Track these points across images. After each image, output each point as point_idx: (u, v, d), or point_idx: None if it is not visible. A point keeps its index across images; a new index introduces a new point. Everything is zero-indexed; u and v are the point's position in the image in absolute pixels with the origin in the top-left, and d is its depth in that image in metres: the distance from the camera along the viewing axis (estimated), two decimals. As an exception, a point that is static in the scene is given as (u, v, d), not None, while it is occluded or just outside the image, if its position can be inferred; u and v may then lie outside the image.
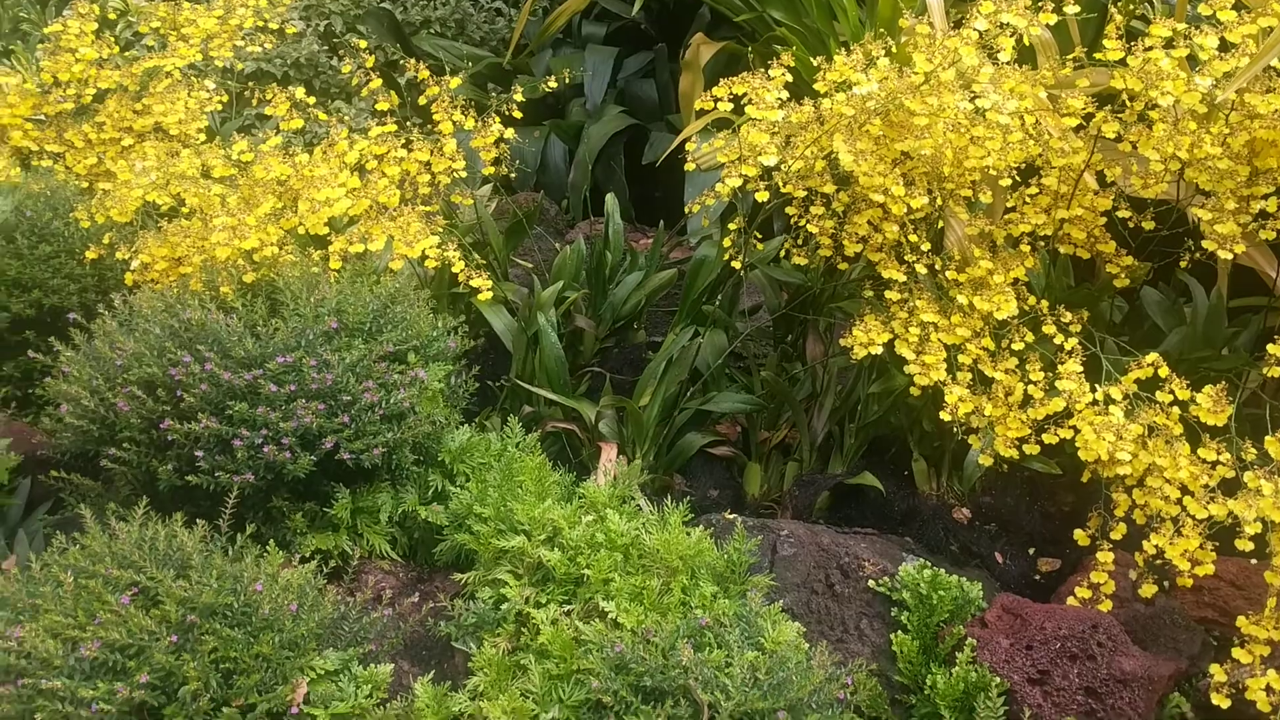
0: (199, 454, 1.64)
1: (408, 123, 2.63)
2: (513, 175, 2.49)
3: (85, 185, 2.70)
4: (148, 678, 1.41)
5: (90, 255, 2.33)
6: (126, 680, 1.41)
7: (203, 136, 2.71)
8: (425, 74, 2.38)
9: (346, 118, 3.49)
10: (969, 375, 1.98)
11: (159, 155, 2.58)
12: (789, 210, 2.09)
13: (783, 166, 1.97)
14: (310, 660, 1.53)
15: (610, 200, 2.70)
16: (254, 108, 3.40)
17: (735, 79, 2.03)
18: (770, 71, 2.03)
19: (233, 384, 1.66)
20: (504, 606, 1.64)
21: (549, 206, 3.42)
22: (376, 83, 2.33)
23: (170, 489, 1.70)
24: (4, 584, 1.55)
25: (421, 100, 2.31)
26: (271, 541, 1.66)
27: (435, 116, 2.26)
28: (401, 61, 3.74)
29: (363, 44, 2.71)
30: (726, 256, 2.22)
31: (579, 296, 2.47)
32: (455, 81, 2.30)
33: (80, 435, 1.75)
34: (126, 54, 2.90)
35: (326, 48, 3.66)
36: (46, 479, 2.13)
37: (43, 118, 2.80)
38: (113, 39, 2.83)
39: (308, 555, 1.73)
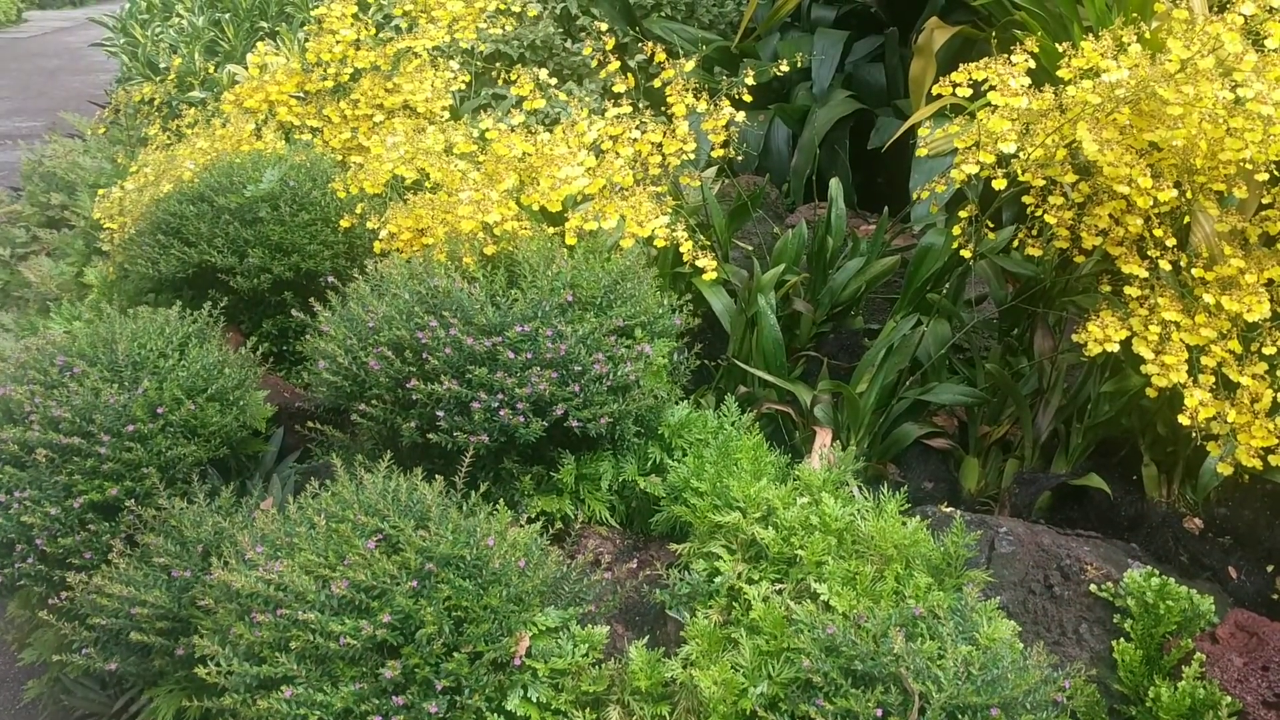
0: (439, 414, 1.75)
1: (638, 105, 2.70)
2: (739, 158, 2.51)
3: (340, 158, 2.90)
4: (389, 618, 1.52)
5: (344, 224, 2.50)
6: (370, 619, 1.52)
7: (447, 114, 2.86)
8: (661, 56, 2.43)
9: (580, 98, 3.60)
10: (1211, 379, 1.88)
11: (407, 131, 2.74)
12: (1026, 199, 2.03)
13: (1020, 154, 1.92)
14: (533, 616, 1.61)
15: (834, 185, 2.69)
16: (493, 87, 3.55)
17: (976, 65, 1.99)
18: (1013, 57, 1.98)
19: (474, 349, 1.76)
20: (717, 580, 1.68)
21: (770, 190, 3.43)
22: (614, 65, 2.39)
23: (411, 445, 1.82)
24: (264, 521, 1.70)
25: (656, 83, 2.36)
26: (501, 501, 1.75)
27: (669, 99, 2.31)
28: (633, 43, 3.83)
29: (603, 26, 2.77)
30: (956, 245, 2.18)
31: (799, 280, 2.48)
32: (689, 65, 2.34)
33: (334, 390, 1.89)
34: (379, 35, 3.08)
35: (561, 30, 3.77)
36: (301, 429, 2.31)
37: (304, 95, 3.02)
38: (369, 22, 3.01)
39: (534, 516, 1.81)
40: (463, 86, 2.95)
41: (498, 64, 3.61)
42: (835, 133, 3.34)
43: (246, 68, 3.65)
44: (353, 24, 2.93)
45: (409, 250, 2.47)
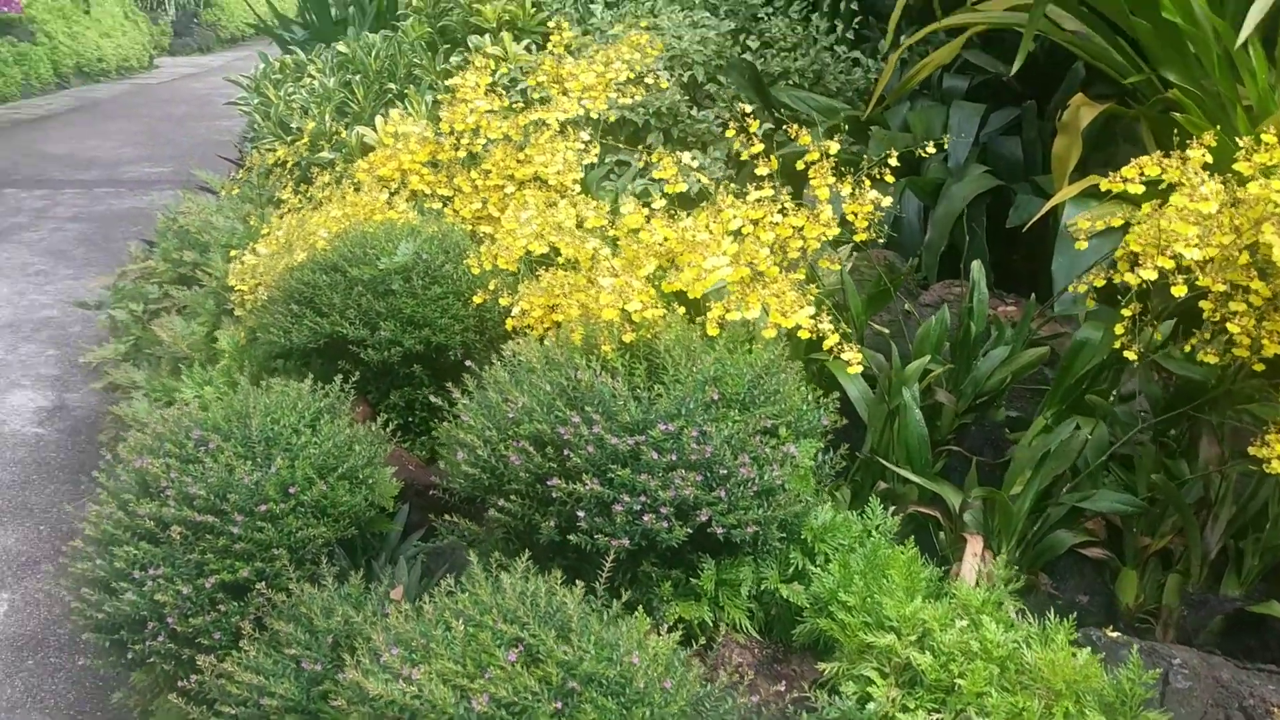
0: (580, 514, 1.69)
1: (776, 183, 2.64)
2: (880, 240, 2.43)
3: (470, 228, 2.89)
4: (529, 736, 1.46)
5: (477, 300, 2.48)
6: (509, 736, 1.45)
7: (578, 187, 2.83)
8: (796, 131, 2.37)
9: (705, 166, 3.56)
10: None
11: (538, 205, 2.72)
12: (1204, 305, 1.91)
13: (1198, 254, 1.81)
14: (681, 737, 1.53)
15: (976, 269, 2.59)
16: (616, 153, 3.53)
17: (1147, 159, 1.88)
18: (1188, 151, 1.87)
19: (616, 447, 1.70)
20: (869, 707, 1.58)
21: (899, 264, 3.34)
22: (757, 147, 2.33)
23: (548, 542, 1.76)
24: (398, 619, 1.65)
25: (799, 165, 2.29)
26: (640, 608, 1.68)
27: (812, 180, 2.24)
28: (759, 110, 3.78)
29: (747, 107, 2.72)
30: (1117, 345, 2.06)
31: (942, 371, 2.37)
32: (833, 146, 2.27)
33: (471, 482, 1.84)
34: (511, 105, 3.07)
35: (687, 97, 3.74)
36: (423, 502, 2.27)
37: (434, 163, 3.02)
38: (502, 91, 3.01)
39: (672, 623, 1.74)
40: (595, 160, 2.92)
41: (623, 130, 3.59)
42: (971, 208, 3.23)
43: (375, 130, 3.69)
44: (486, 95, 2.93)
45: (539, 327, 2.43)
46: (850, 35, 3.88)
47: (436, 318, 2.51)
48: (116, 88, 13.22)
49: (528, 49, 4.02)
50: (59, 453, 3.88)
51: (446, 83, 3.12)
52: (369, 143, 3.69)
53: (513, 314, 2.38)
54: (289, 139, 3.84)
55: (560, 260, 2.51)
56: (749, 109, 2.58)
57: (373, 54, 4.04)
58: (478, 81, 2.93)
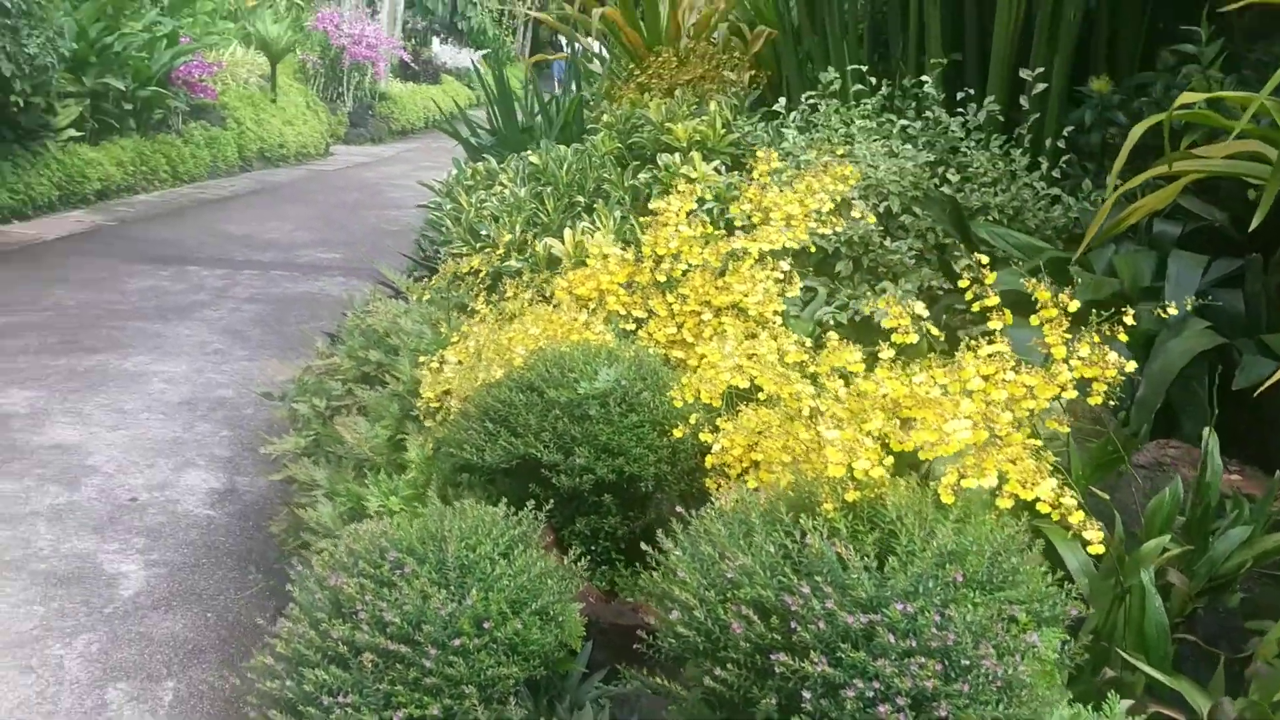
0: (805, 694, 1.57)
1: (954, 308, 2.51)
2: (1113, 403, 2.27)
3: (663, 353, 2.84)
4: None
5: (677, 434, 2.41)
6: None
7: (779, 318, 2.76)
8: (991, 277, 2.24)
9: (896, 298, 3.45)
10: None
11: (737, 335, 2.64)
12: None
13: None
14: None
15: (1209, 438, 2.40)
16: (804, 279, 3.45)
17: None
18: None
19: (849, 625, 1.58)
20: None
21: (1106, 419, 3.14)
22: (991, 300, 2.21)
23: (765, 718, 1.64)
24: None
25: (1033, 320, 2.16)
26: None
27: (1048, 338, 2.11)
28: (954, 245, 3.67)
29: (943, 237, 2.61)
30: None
31: (1179, 552, 2.18)
32: (1073, 304, 2.14)
33: (683, 644, 1.74)
34: (711, 231, 3.03)
35: (881, 227, 3.66)
36: (604, 643, 2.18)
37: (630, 283, 2.99)
38: (704, 217, 2.98)
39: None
40: (798, 291, 2.85)
41: (811, 258, 3.52)
42: (1191, 366, 3.03)
43: (564, 242, 3.71)
44: (688, 220, 2.90)
45: (738, 466, 2.34)
46: (1057, 173, 3.75)
47: (631, 447, 2.44)
48: (294, 172, 13.90)
49: (716, 170, 4.01)
50: (228, 537, 3.93)
51: (650, 205, 3.10)
52: (557, 254, 3.71)
53: (713, 450, 2.30)
54: (478, 245, 3.89)
55: (761, 396, 2.42)
56: (947, 243, 2.50)
57: (564, 167, 4.09)
58: (680, 207, 2.91)
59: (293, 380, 3.76)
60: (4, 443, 4.58)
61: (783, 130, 4.07)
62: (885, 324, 2.15)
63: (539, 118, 5.41)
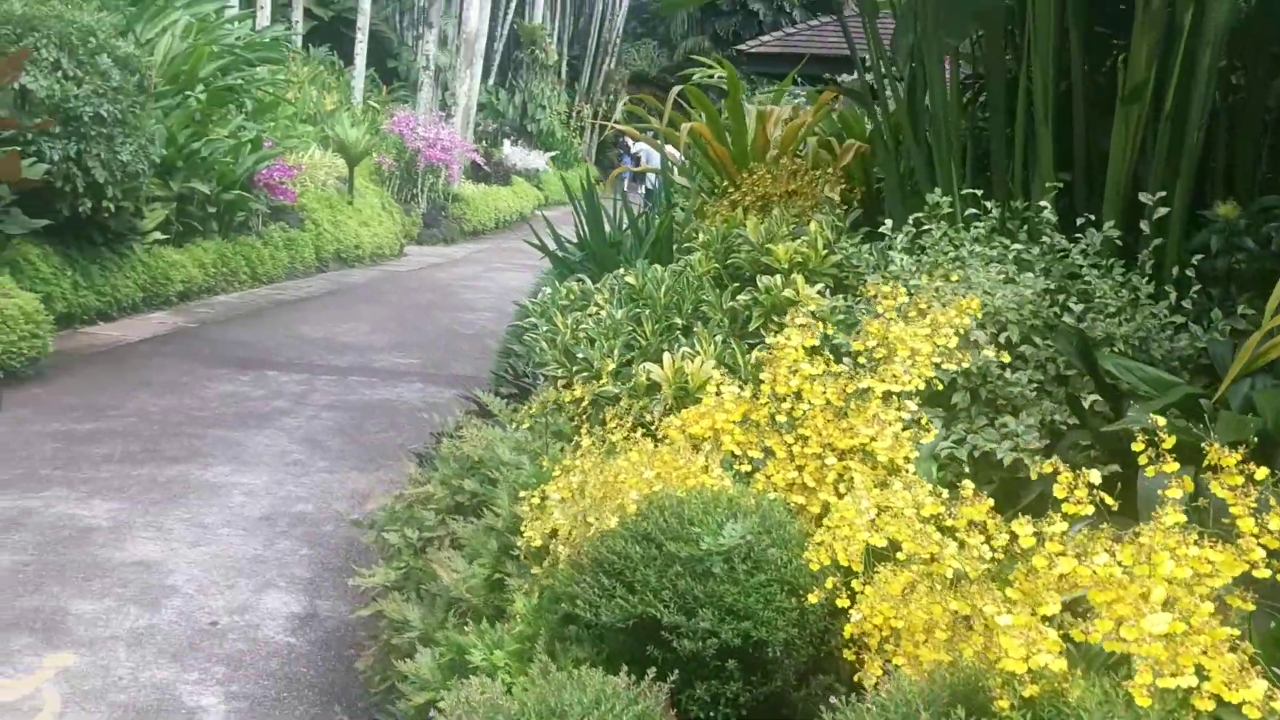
0: None
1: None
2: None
3: (783, 498, 2.67)
4: None
5: (812, 599, 2.23)
6: None
7: (911, 465, 2.58)
8: (1196, 438, 2.06)
9: (1019, 432, 3.27)
10: None
11: (866, 484, 2.48)
12: None
13: None
14: None
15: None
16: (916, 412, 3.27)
17: None
18: None
19: None
20: None
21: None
22: (1170, 464, 2.02)
23: None
24: None
25: (1213, 486, 1.97)
26: None
27: (1233, 510, 1.91)
28: (1077, 377, 3.48)
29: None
30: None
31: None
32: (1262, 472, 1.94)
33: None
34: (831, 368, 2.88)
35: (999, 357, 3.48)
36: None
37: (745, 419, 2.85)
38: (827, 354, 2.83)
39: None
40: (931, 436, 2.68)
41: (927, 393, 3.34)
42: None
43: (662, 366, 3.58)
44: (809, 357, 2.75)
45: (878, 634, 2.15)
46: (1187, 304, 3.57)
47: (759, 609, 2.27)
48: (369, 273, 14.07)
49: (820, 293, 3.88)
50: (309, 668, 3.79)
51: (768, 340, 2.96)
52: (655, 379, 3.58)
53: (853, 619, 2.12)
54: (574, 368, 3.78)
55: (901, 556, 2.25)
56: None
57: (661, 288, 3.99)
58: (801, 341, 2.77)
59: (381, 506, 3.64)
60: (86, 559, 4.52)
61: (888, 252, 3.94)
62: (1056, 492, 1.97)
63: (628, 232, 5.34)
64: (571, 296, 4.24)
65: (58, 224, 8.49)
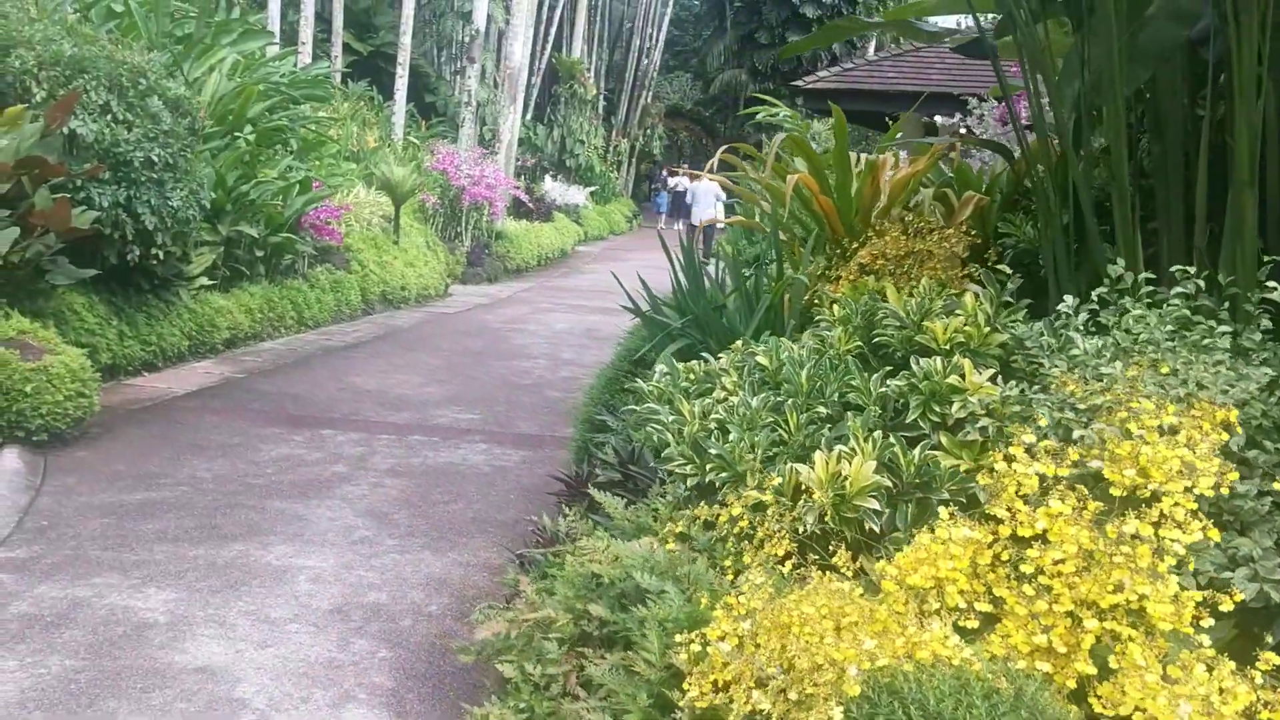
0: None
1: None
2: None
3: (1025, 665, 2.16)
4: None
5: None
6: None
7: (1205, 638, 2.07)
8: None
9: (1250, 556, 2.74)
10: None
11: (1149, 659, 1.96)
12: None
13: None
14: None
15: None
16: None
17: None
18: None
19: None
20: None
21: None
22: None
23: None
24: None
25: None
26: None
27: None
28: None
29: None
30: None
31: None
32: None
33: None
34: (1089, 505, 2.37)
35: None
36: None
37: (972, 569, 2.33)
38: (1081, 493, 2.32)
39: None
40: (1232, 604, 2.16)
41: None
42: None
43: (814, 468, 3.09)
44: (1058, 493, 2.24)
45: None
46: None
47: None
48: (415, 315, 13.66)
49: (993, 380, 3.37)
50: (404, 813, 3.29)
51: (995, 467, 2.45)
52: (806, 483, 3.08)
53: None
54: (707, 465, 3.29)
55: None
56: None
57: (803, 371, 3.49)
58: (1038, 470, 2.26)
59: (499, 637, 3.14)
60: (144, 664, 4.04)
61: (1070, 335, 3.42)
62: None
63: (733, 297, 4.85)
64: (694, 377, 3.75)
65: (103, 271, 8.11)
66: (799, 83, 15.00)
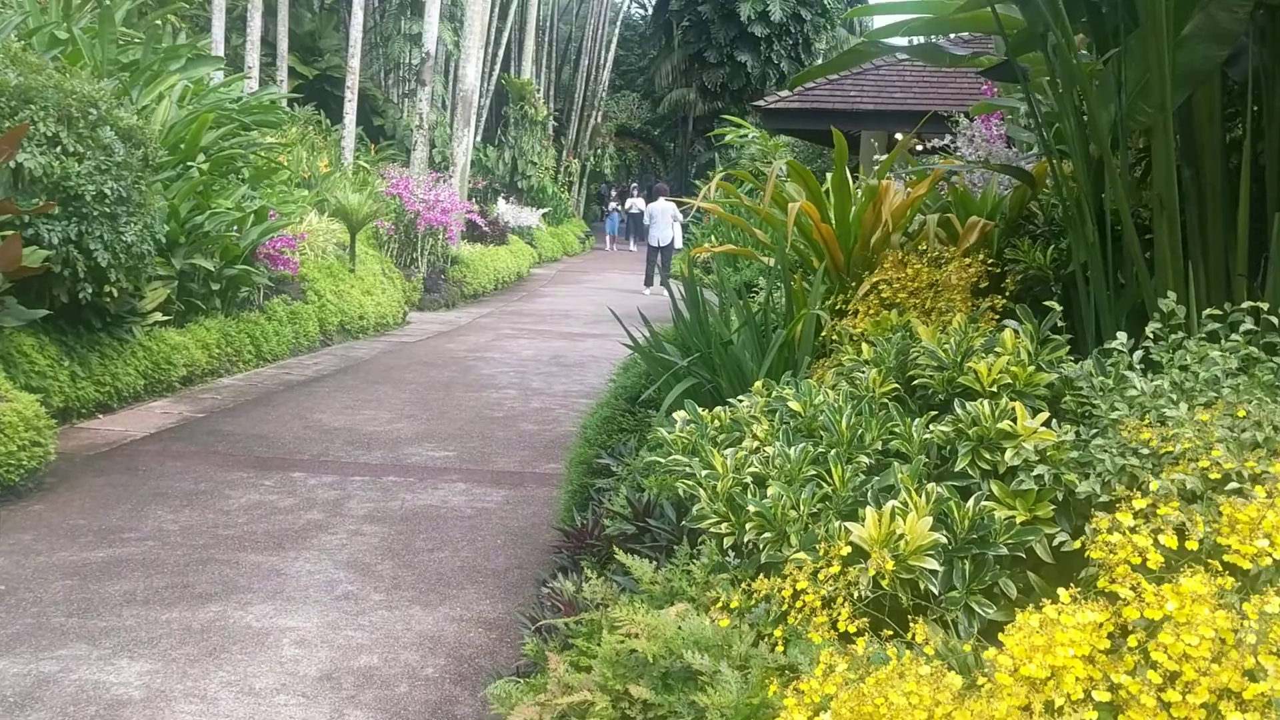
0: None
1: None
2: None
3: (1157, 764, 1.93)
4: None
5: None
6: None
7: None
8: None
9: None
10: None
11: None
12: None
13: None
14: None
15: None
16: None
17: None
18: None
19: None
20: None
21: None
22: None
23: None
24: None
25: None
26: None
27: None
28: None
29: None
30: None
31: None
32: None
33: None
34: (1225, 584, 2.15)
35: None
36: None
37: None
38: (1214, 568, 2.10)
39: None
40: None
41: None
42: None
43: (865, 525, 2.85)
44: (1197, 574, 2.02)
45: None
46: None
47: None
48: (375, 345, 13.30)
49: (1046, 424, 3.17)
50: None
51: (1095, 541, 2.23)
52: (857, 542, 2.85)
53: None
54: (745, 523, 3.05)
55: None
56: None
57: (842, 418, 3.26)
58: (1158, 539, 2.04)
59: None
60: (121, 751, 3.70)
61: (1125, 373, 3.23)
62: None
63: (738, 336, 4.62)
64: (720, 425, 3.51)
65: (53, 310, 7.70)
66: (760, 103, 14.89)
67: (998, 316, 4.12)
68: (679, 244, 21.29)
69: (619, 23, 42.59)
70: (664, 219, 20.77)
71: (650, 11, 49.45)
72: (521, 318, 17.13)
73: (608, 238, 35.12)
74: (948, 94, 13.58)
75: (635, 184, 40.95)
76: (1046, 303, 3.44)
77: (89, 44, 10.36)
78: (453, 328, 15.52)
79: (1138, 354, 3.20)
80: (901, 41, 4.71)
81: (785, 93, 15.36)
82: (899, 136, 16.66)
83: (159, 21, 13.61)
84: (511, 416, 9.51)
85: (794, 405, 3.41)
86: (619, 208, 34.97)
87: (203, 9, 22.87)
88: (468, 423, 9.16)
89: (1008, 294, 4.51)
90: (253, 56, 19.49)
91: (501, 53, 32.79)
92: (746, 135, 11.53)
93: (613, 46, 40.42)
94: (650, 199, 22.29)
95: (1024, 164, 5.30)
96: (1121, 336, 3.21)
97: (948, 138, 6.42)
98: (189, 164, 10.15)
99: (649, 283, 21.20)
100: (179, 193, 9.68)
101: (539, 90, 32.44)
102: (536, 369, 12.12)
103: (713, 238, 24.23)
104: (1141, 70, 3.51)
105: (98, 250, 7.53)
